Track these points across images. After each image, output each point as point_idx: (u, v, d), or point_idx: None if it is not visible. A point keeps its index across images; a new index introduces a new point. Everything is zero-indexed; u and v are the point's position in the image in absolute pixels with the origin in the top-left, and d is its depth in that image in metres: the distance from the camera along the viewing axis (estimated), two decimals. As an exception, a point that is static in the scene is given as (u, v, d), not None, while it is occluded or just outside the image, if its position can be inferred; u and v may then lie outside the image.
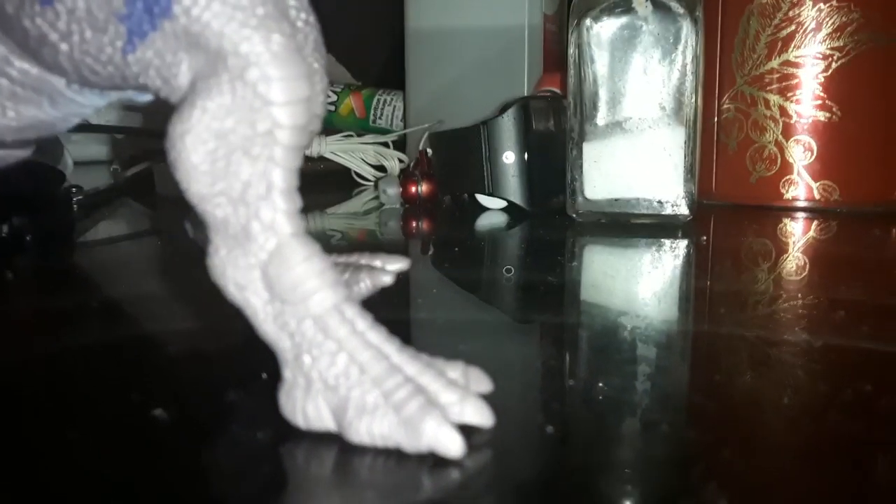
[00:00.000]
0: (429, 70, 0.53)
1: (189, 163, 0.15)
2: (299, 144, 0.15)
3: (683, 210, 0.36)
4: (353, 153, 0.54)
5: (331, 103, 0.66)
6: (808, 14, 0.39)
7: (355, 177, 0.54)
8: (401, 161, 0.54)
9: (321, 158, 0.55)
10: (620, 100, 0.36)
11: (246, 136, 0.15)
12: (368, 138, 0.55)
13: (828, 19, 0.39)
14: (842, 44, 0.39)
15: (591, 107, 0.36)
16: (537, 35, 0.51)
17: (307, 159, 0.55)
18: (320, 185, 0.55)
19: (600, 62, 0.36)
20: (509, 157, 0.40)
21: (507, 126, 0.40)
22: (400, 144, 0.55)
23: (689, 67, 0.35)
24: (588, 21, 0.36)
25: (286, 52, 0.15)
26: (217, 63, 0.15)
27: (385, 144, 0.54)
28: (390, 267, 0.21)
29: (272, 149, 0.15)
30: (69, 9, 0.15)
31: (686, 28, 0.35)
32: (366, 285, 0.20)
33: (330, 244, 0.36)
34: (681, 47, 0.35)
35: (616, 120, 0.36)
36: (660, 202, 0.36)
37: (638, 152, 0.36)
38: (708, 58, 0.41)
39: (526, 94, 0.52)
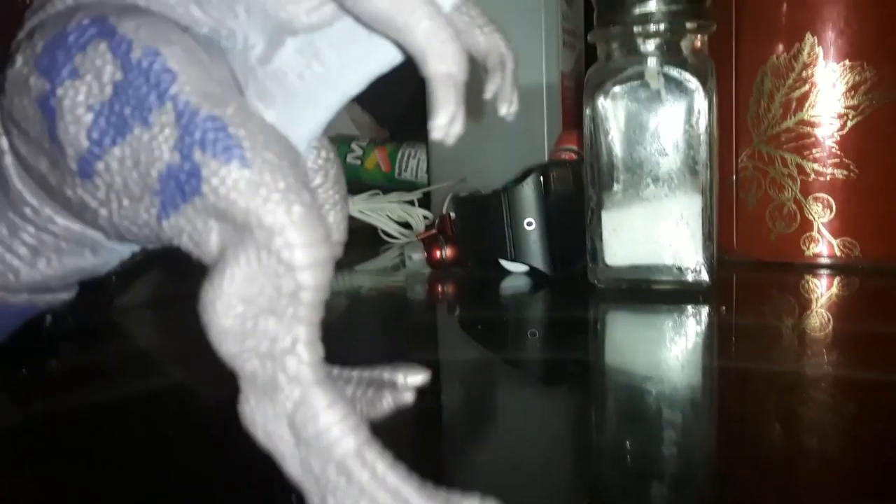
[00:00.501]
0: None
1: (220, 327, 0.16)
2: (321, 300, 0.16)
3: (703, 276, 0.36)
4: (378, 211, 0.55)
5: (356, 158, 0.68)
6: (822, 74, 0.40)
7: (382, 234, 0.55)
8: (425, 218, 0.55)
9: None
10: (636, 169, 0.37)
11: (272, 298, 0.16)
12: (393, 196, 0.56)
13: (841, 79, 0.39)
14: (856, 102, 0.39)
15: (608, 176, 0.37)
16: (555, 93, 0.52)
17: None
18: (348, 242, 0.56)
19: (615, 133, 0.37)
20: (530, 224, 0.41)
21: (528, 193, 0.41)
22: (424, 201, 0.56)
23: (702, 137, 0.36)
24: (602, 94, 0.37)
25: (306, 221, 0.16)
26: (244, 233, 0.16)
27: (410, 202, 0.55)
28: (411, 380, 0.22)
29: (297, 307, 0.16)
30: (108, 183, 0.17)
31: (698, 99, 0.35)
32: (388, 402, 0.21)
33: (360, 305, 0.37)
34: (694, 118, 0.36)
35: (633, 189, 0.37)
36: (679, 269, 0.36)
37: (656, 220, 0.36)
38: (724, 115, 0.42)
39: (546, 151, 0.53)
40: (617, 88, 0.37)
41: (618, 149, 0.37)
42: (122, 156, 0.16)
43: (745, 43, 0.41)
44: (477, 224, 0.43)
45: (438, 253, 0.44)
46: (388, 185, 0.66)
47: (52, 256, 0.19)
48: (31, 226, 0.19)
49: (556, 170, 0.41)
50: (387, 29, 0.17)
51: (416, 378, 0.22)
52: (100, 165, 0.17)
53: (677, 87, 0.36)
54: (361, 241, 0.55)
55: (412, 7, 0.17)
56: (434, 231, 0.52)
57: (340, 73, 0.19)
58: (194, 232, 0.16)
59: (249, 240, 0.16)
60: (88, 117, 0.16)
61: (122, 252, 0.20)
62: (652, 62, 0.36)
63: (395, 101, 0.78)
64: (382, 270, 0.47)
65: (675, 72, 0.35)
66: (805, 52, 0.40)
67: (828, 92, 0.40)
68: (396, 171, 0.66)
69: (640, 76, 0.36)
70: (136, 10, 0.17)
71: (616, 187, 0.37)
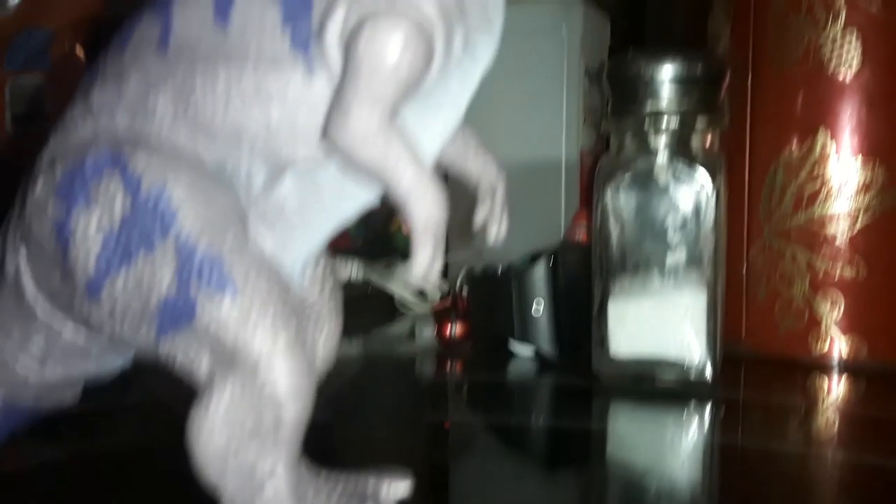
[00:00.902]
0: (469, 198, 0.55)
1: (205, 452, 0.17)
2: (302, 421, 0.17)
3: (707, 374, 0.36)
4: (395, 279, 0.56)
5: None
6: (833, 172, 0.40)
7: (397, 304, 0.56)
8: (440, 288, 0.55)
9: (366, 282, 0.57)
10: (644, 261, 0.37)
11: (256, 423, 0.17)
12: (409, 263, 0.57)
13: (853, 177, 0.40)
14: (868, 202, 0.40)
15: (616, 267, 0.38)
16: (574, 170, 0.53)
17: (353, 283, 0.58)
18: (365, 304, 0.57)
19: (624, 224, 0.37)
20: (538, 308, 0.41)
21: (537, 277, 0.41)
22: (441, 271, 0.57)
23: (709, 234, 0.36)
24: (612, 185, 0.37)
25: (291, 350, 0.17)
26: (232, 361, 0.17)
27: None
28: (394, 492, 0.22)
29: (278, 432, 0.17)
30: (112, 303, 0.18)
31: (707, 197, 0.36)
32: None
33: (373, 371, 0.37)
34: (702, 215, 0.36)
35: (640, 280, 0.37)
36: (683, 365, 0.36)
37: (661, 314, 0.37)
38: (736, 205, 0.42)
39: (563, 226, 0.53)
40: (627, 180, 0.37)
41: (626, 240, 0.37)
42: (126, 281, 0.18)
43: (758, 135, 0.42)
44: (487, 303, 0.44)
45: (449, 329, 0.45)
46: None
47: (60, 362, 0.21)
48: (40, 335, 0.20)
49: (567, 253, 0.42)
50: (374, 174, 0.18)
51: (399, 489, 0.22)
52: (106, 287, 0.18)
53: (686, 182, 0.36)
54: (378, 305, 0.56)
55: (397, 157, 0.18)
56: (447, 304, 0.52)
57: (337, 203, 0.20)
58: (186, 357, 0.17)
59: (237, 367, 0.17)
60: (98, 244, 0.18)
61: (125, 359, 0.21)
62: (662, 157, 0.36)
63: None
64: (394, 339, 0.47)
65: (684, 168, 0.36)
66: (818, 148, 0.40)
67: (839, 190, 0.40)
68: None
69: (650, 170, 0.37)
70: (147, 145, 0.19)
71: (623, 278, 0.38)
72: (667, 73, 0.36)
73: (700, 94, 0.36)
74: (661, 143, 0.36)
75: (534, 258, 0.42)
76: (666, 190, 0.37)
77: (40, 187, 0.19)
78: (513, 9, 0.56)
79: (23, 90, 0.75)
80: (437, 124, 0.20)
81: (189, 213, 0.18)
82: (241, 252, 0.18)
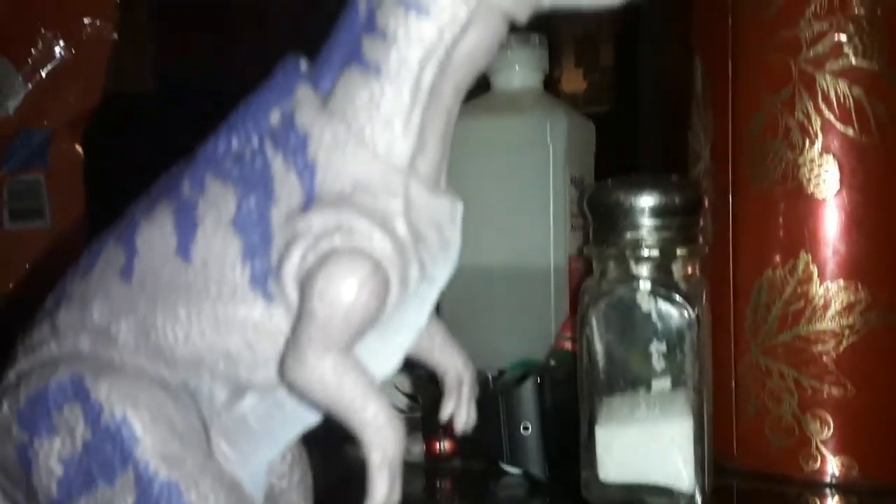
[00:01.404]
0: (458, 304, 0.56)
1: None
2: None
3: (697, 501, 0.36)
4: (388, 382, 0.56)
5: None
6: (816, 292, 0.40)
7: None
8: (434, 396, 0.55)
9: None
10: (629, 387, 0.37)
11: None
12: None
13: (836, 298, 0.40)
14: (852, 322, 0.40)
15: (601, 392, 0.38)
16: (562, 275, 0.53)
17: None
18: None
19: (608, 352, 0.38)
20: (526, 428, 0.41)
21: (524, 398, 0.41)
22: (435, 376, 0.57)
23: (691, 362, 0.36)
24: (594, 313, 0.37)
25: None
26: None
27: (420, 377, 0.56)
28: None
29: None
30: None
31: (689, 324, 0.36)
32: None
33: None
34: (685, 342, 0.36)
35: (626, 406, 0.37)
36: (672, 493, 0.36)
37: (648, 441, 0.37)
38: (724, 318, 0.42)
39: (553, 331, 0.53)
40: (610, 306, 0.37)
41: (611, 365, 0.38)
42: None
43: (741, 253, 0.42)
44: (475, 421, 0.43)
45: (438, 446, 0.45)
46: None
47: None
48: None
49: (555, 371, 0.42)
50: (331, 411, 0.18)
51: None
52: None
53: (668, 310, 0.36)
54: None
55: (352, 396, 0.18)
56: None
57: (297, 414, 0.20)
58: None
59: None
60: (59, 470, 0.18)
61: None
62: (643, 285, 0.37)
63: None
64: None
65: (665, 296, 0.36)
66: (800, 269, 0.40)
67: (824, 309, 0.40)
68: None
69: (633, 296, 0.37)
70: (111, 369, 0.19)
71: (610, 401, 0.38)
72: (645, 203, 0.36)
73: (679, 224, 0.36)
74: (643, 270, 0.37)
75: (522, 377, 0.42)
76: (648, 317, 0.37)
77: (5, 410, 0.19)
78: (499, 121, 0.57)
79: (21, 187, 0.76)
80: (395, 343, 0.21)
81: (149, 442, 0.18)
82: (201, 475, 0.18)
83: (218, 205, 0.20)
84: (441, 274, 0.21)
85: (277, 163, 0.20)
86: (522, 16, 0.21)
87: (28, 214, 0.75)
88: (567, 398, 0.42)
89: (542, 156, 0.53)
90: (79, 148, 0.78)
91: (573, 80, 1.21)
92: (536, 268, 0.53)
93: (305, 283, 0.18)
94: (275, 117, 0.20)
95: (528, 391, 0.41)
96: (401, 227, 0.19)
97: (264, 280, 0.19)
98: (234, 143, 0.21)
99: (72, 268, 0.22)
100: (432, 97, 0.20)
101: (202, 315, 0.19)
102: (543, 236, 0.53)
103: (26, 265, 0.75)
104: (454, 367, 0.25)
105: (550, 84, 0.60)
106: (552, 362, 0.46)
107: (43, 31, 0.74)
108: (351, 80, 0.20)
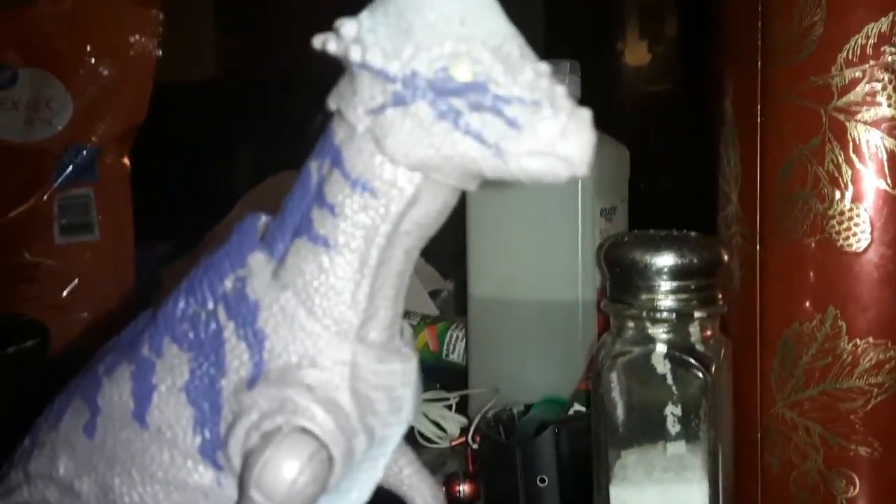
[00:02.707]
0: (486, 337, 0.56)
1: None
2: None
3: (708, 567, 0.35)
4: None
5: (407, 335, 0.69)
6: (845, 348, 0.39)
7: (417, 435, 0.56)
8: (461, 424, 0.55)
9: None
10: (644, 449, 0.37)
11: None
12: (430, 395, 0.57)
13: (865, 355, 0.39)
14: (881, 380, 0.38)
15: (616, 451, 0.37)
16: (591, 309, 0.53)
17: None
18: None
19: (622, 410, 0.37)
20: (543, 481, 0.41)
21: (542, 449, 0.41)
22: (462, 405, 0.57)
23: (707, 427, 0.35)
24: (610, 370, 0.37)
25: None
26: None
27: (448, 406, 0.56)
28: None
29: None
30: None
31: (705, 388, 0.35)
32: None
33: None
34: (702, 406, 0.36)
35: (641, 468, 0.37)
36: (684, 557, 0.36)
37: (663, 504, 0.36)
38: (748, 370, 0.41)
39: (582, 364, 0.53)
40: (626, 365, 0.37)
41: (626, 423, 0.37)
42: None
43: (768, 303, 0.41)
44: (493, 468, 0.43)
45: (458, 489, 0.45)
46: (437, 364, 0.67)
47: None
48: None
49: (573, 424, 0.42)
50: None
51: None
52: None
53: (685, 371, 0.36)
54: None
55: None
56: (464, 440, 0.52)
57: None
58: None
59: None
60: None
61: None
62: (660, 347, 0.36)
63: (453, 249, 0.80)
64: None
65: (681, 360, 0.36)
66: (828, 324, 0.39)
67: (851, 367, 0.39)
68: (444, 351, 0.68)
69: (649, 356, 0.36)
70: None
71: (623, 462, 0.37)
72: (662, 264, 0.35)
73: (697, 286, 0.35)
74: (659, 332, 0.36)
75: (541, 427, 0.42)
76: (664, 379, 0.36)
77: None
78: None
79: (72, 202, 0.78)
80: (350, 500, 0.21)
81: None
82: None
83: (173, 370, 0.21)
84: (394, 433, 0.22)
85: (229, 331, 0.20)
86: (471, 186, 0.21)
87: (78, 229, 0.77)
88: (585, 450, 0.42)
89: (571, 188, 0.52)
90: (126, 161, 0.80)
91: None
92: (565, 302, 0.53)
93: (245, 467, 0.19)
94: (229, 283, 0.21)
95: (545, 443, 0.41)
96: (346, 401, 0.20)
97: (214, 450, 0.19)
98: (191, 305, 0.21)
99: (47, 410, 0.22)
100: (382, 266, 0.20)
101: (155, 480, 0.19)
102: (572, 270, 0.52)
103: (76, 278, 0.77)
104: (423, 496, 0.25)
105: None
106: (574, 406, 0.46)
107: (89, 48, 0.75)
108: (301, 251, 0.21)
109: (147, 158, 0.82)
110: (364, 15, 0.20)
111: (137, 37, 0.76)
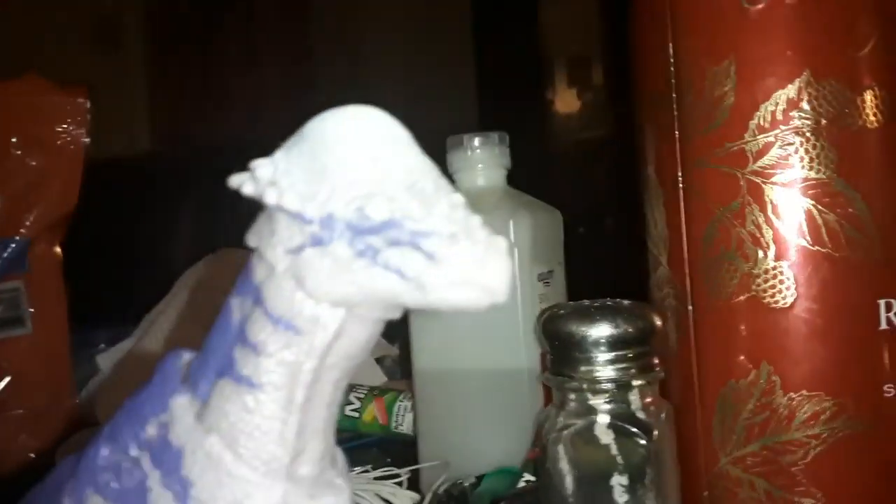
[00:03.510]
0: (433, 411, 0.56)
1: None
2: None
3: None
4: (366, 490, 0.56)
5: (354, 410, 0.68)
6: (781, 402, 0.40)
7: (370, 516, 0.55)
8: (413, 500, 0.55)
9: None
10: (595, 519, 0.37)
11: None
12: (381, 472, 0.56)
13: (800, 408, 0.40)
14: (818, 431, 0.39)
15: (568, 525, 0.37)
16: (535, 375, 0.53)
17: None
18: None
19: (571, 483, 0.37)
20: (497, 559, 0.41)
21: (494, 527, 0.41)
22: (413, 479, 0.56)
23: (651, 494, 0.36)
24: (554, 444, 0.37)
25: None
26: None
27: (399, 483, 0.55)
28: None
29: None
30: None
31: (649, 456, 0.36)
32: None
33: None
34: (647, 473, 0.36)
35: (592, 540, 0.37)
36: None
37: (616, 575, 0.36)
38: (690, 429, 0.42)
39: (529, 433, 0.53)
40: (570, 438, 0.37)
41: (573, 496, 0.37)
42: None
43: (704, 363, 0.42)
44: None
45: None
46: (386, 436, 0.67)
47: None
48: None
49: (524, 499, 0.42)
50: None
51: None
52: None
53: (628, 440, 0.36)
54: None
55: None
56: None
57: None
58: None
59: None
60: None
61: None
62: (602, 418, 0.36)
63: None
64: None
65: (623, 430, 0.36)
66: (762, 379, 0.40)
67: (788, 420, 0.40)
68: (393, 423, 0.67)
69: (592, 427, 0.37)
70: None
71: (576, 536, 0.37)
72: (598, 335, 0.36)
73: (634, 354, 0.36)
74: (600, 403, 0.36)
75: (493, 502, 0.42)
76: (609, 449, 0.37)
77: None
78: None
79: (1, 296, 0.76)
80: None
81: None
82: None
83: None
84: None
85: (154, 479, 0.20)
86: (395, 315, 0.21)
87: (9, 323, 0.75)
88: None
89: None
90: (58, 251, 0.79)
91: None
92: (509, 369, 0.53)
93: None
94: (151, 429, 0.21)
95: (496, 521, 0.41)
96: None
97: None
98: (115, 453, 0.21)
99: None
100: (309, 401, 0.21)
101: None
102: (514, 339, 0.53)
103: (9, 375, 0.74)
104: None
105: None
106: (525, 476, 0.46)
107: (14, 140, 0.74)
108: (225, 392, 0.21)
109: (81, 241, 0.81)
110: (279, 155, 0.20)
111: (65, 125, 0.75)
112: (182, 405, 0.21)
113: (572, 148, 1.25)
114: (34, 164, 0.74)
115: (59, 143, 0.75)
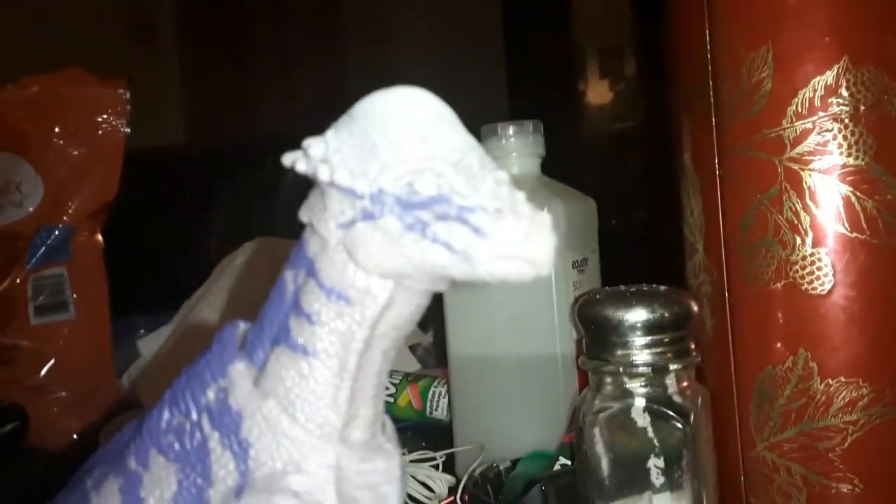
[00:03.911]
0: (469, 395, 0.56)
1: None
2: None
3: None
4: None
5: (390, 395, 0.69)
6: (818, 388, 0.40)
7: (406, 497, 0.56)
8: (449, 483, 0.55)
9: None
10: (629, 500, 0.37)
11: None
12: (417, 455, 0.57)
13: (837, 394, 0.40)
14: (855, 418, 0.39)
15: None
16: (570, 362, 0.54)
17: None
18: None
19: (606, 464, 0.38)
20: (534, 540, 0.41)
21: (531, 508, 0.41)
22: (449, 463, 0.57)
23: (687, 477, 0.36)
24: (591, 426, 0.38)
25: None
26: None
27: (435, 466, 0.56)
28: None
29: None
30: None
31: (685, 439, 0.36)
32: None
33: None
34: (683, 457, 0.36)
35: (629, 522, 0.37)
36: None
37: (652, 557, 0.37)
38: (727, 415, 0.42)
39: (564, 417, 0.53)
40: (606, 420, 0.38)
41: (611, 479, 0.38)
42: None
43: (741, 350, 0.42)
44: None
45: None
46: (421, 422, 0.67)
47: None
48: None
49: (560, 480, 0.42)
50: None
51: None
52: None
53: (665, 423, 0.37)
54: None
55: None
56: (453, 499, 0.52)
57: None
58: None
59: None
60: None
61: None
62: (638, 401, 0.37)
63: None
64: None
65: (660, 413, 0.36)
66: (800, 366, 0.40)
67: (826, 406, 0.40)
68: (428, 409, 0.68)
69: (628, 411, 0.37)
70: None
71: (612, 518, 0.38)
72: (635, 320, 0.36)
73: (671, 339, 0.36)
74: (637, 387, 0.37)
75: (528, 485, 0.42)
76: (645, 432, 0.37)
77: None
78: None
79: (45, 282, 0.78)
80: None
81: None
82: None
83: (161, 482, 0.21)
84: None
85: (214, 441, 0.21)
86: (442, 288, 0.22)
87: (53, 308, 0.77)
88: (574, 505, 0.42)
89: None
90: (99, 238, 0.80)
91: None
92: (544, 355, 0.53)
93: None
94: (211, 394, 0.22)
95: (533, 502, 0.41)
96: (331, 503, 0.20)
97: None
98: (175, 416, 0.22)
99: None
100: (361, 368, 0.21)
101: None
102: (549, 325, 0.53)
103: (53, 358, 0.76)
104: None
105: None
106: (560, 460, 0.46)
107: (57, 130, 0.76)
108: (281, 359, 0.21)
109: (121, 230, 0.83)
110: (330, 135, 0.21)
111: (105, 116, 0.77)
112: (240, 371, 0.22)
113: (605, 137, 1.25)
114: (76, 153, 0.76)
115: (100, 133, 0.77)
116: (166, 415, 0.22)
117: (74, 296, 0.78)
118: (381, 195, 0.20)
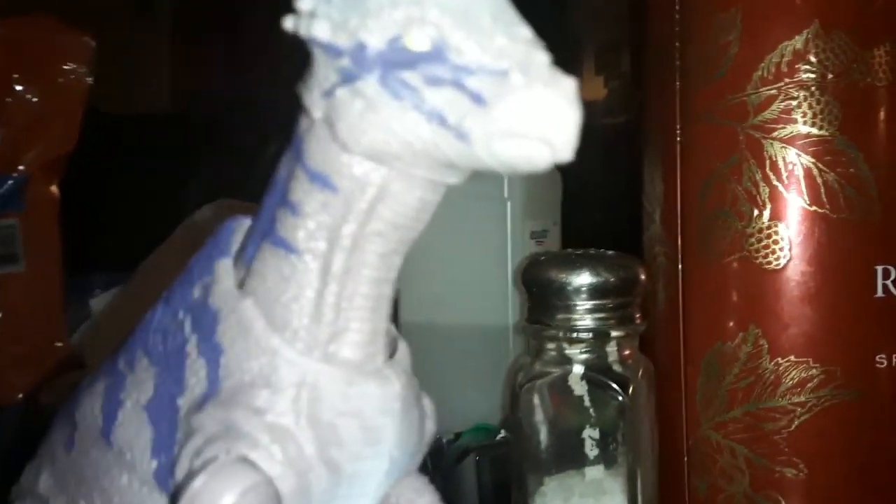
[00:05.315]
0: (421, 363, 0.54)
1: None
2: None
3: None
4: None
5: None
6: (767, 367, 0.38)
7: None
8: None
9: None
10: (564, 473, 0.36)
11: None
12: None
13: (786, 374, 0.38)
14: (803, 399, 0.38)
15: (537, 479, 0.36)
16: (522, 335, 0.52)
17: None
18: None
19: (542, 433, 0.36)
20: (466, 510, 0.40)
21: (464, 478, 0.40)
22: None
23: (627, 449, 0.35)
24: (528, 393, 0.36)
25: None
26: None
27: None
28: None
29: None
30: None
31: (622, 410, 0.35)
32: None
33: None
34: (620, 428, 0.35)
35: (559, 495, 0.36)
36: (605, 586, 0.35)
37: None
38: (674, 392, 0.41)
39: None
40: (544, 388, 0.36)
41: (545, 447, 0.36)
42: None
43: (691, 323, 0.41)
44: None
45: (380, 521, 0.43)
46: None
47: None
48: None
49: (497, 451, 0.41)
50: None
51: None
52: None
53: (603, 393, 0.35)
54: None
55: None
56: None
57: None
58: None
59: None
60: None
61: None
62: (577, 368, 0.35)
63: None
64: None
65: (598, 381, 0.35)
66: (749, 343, 0.39)
67: (774, 386, 0.38)
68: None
69: (566, 378, 0.36)
70: None
71: (543, 489, 0.36)
72: (579, 283, 0.35)
73: (614, 305, 0.35)
74: (576, 353, 0.35)
75: (462, 454, 0.41)
76: (582, 401, 0.35)
77: None
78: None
79: (-3, 233, 0.75)
80: None
81: None
82: None
83: (139, 385, 0.19)
84: (371, 469, 0.19)
85: (192, 344, 0.19)
86: (450, 178, 0.18)
87: (3, 260, 0.75)
88: (509, 478, 0.41)
89: (500, 210, 0.51)
90: (55, 190, 0.78)
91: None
92: (496, 326, 0.52)
93: (174, 497, 0.17)
94: (197, 291, 0.19)
95: (466, 471, 0.40)
96: (301, 429, 0.18)
97: (167, 477, 0.18)
98: (164, 315, 0.20)
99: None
100: (349, 272, 0.19)
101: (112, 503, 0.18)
102: (502, 295, 0.51)
103: (1, 312, 0.74)
104: None
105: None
106: (502, 433, 0.45)
107: (17, 76, 0.73)
108: (265, 256, 0.19)
109: (82, 187, 0.80)
110: None
111: (69, 64, 0.74)
112: (224, 267, 0.19)
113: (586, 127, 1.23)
114: (35, 100, 0.73)
115: (61, 80, 0.74)
116: (158, 312, 0.20)
117: (26, 248, 0.76)
118: (362, 51, 0.16)
